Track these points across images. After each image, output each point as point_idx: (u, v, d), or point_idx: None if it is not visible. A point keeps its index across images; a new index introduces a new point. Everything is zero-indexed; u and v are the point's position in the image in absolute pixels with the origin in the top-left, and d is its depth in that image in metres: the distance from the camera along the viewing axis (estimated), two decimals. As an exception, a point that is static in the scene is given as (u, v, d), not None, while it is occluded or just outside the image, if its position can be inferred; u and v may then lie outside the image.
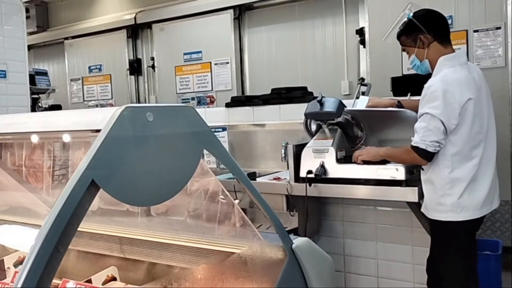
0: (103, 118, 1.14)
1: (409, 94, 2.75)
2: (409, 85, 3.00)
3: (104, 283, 1.80)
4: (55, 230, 0.99)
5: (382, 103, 2.76)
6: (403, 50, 2.47)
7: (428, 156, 2.19)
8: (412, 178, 2.50)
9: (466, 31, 3.82)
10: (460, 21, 3.84)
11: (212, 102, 5.94)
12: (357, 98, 2.91)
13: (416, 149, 2.19)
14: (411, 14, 2.35)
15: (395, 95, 3.40)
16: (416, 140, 2.19)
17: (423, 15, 2.37)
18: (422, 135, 2.16)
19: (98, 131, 1.13)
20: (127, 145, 1.15)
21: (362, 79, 3.05)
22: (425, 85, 2.25)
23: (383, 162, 2.56)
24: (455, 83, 2.20)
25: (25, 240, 1.95)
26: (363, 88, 2.94)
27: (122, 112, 1.15)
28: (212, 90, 5.95)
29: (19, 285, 0.93)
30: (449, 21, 3.74)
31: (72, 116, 1.43)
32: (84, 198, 1.05)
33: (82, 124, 1.30)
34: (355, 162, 2.61)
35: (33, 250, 0.97)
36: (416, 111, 2.30)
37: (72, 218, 1.02)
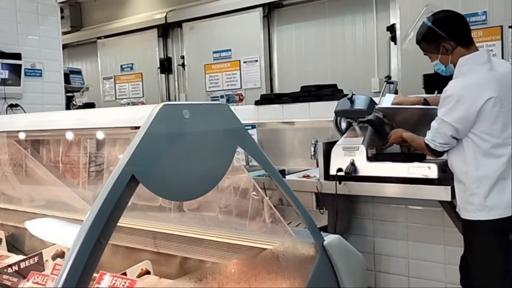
0: (142, 116, 1.18)
1: (436, 91, 2.71)
2: (442, 82, 2.95)
3: (139, 276, 1.83)
4: (98, 223, 1.03)
5: (408, 101, 2.74)
6: (425, 54, 2.42)
7: (437, 154, 2.31)
8: (445, 177, 2.46)
9: (501, 27, 3.72)
10: (494, 16, 3.74)
11: (241, 100, 5.97)
12: (383, 95, 2.89)
13: (427, 145, 2.31)
14: (430, 21, 2.27)
15: (427, 92, 3.34)
16: (428, 138, 2.30)
17: (443, 21, 2.28)
18: (433, 135, 2.26)
19: (137, 128, 1.17)
20: (165, 142, 1.19)
21: (389, 77, 3.03)
22: (444, 88, 2.23)
23: (414, 159, 2.54)
24: (472, 85, 2.16)
25: (62, 234, 2.02)
26: (390, 86, 2.92)
27: (160, 109, 1.18)
28: (241, 88, 5.98)
29: (65, 273, 0.97)
30: (483, 17, 3.67)
31: (112, 114, 1.48)
32: (125, 192, 1.08)
33: (122, 121, 1.34)
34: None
35: (77, 242, 1.01)
36: None
37: (113, 211, 1.06)
